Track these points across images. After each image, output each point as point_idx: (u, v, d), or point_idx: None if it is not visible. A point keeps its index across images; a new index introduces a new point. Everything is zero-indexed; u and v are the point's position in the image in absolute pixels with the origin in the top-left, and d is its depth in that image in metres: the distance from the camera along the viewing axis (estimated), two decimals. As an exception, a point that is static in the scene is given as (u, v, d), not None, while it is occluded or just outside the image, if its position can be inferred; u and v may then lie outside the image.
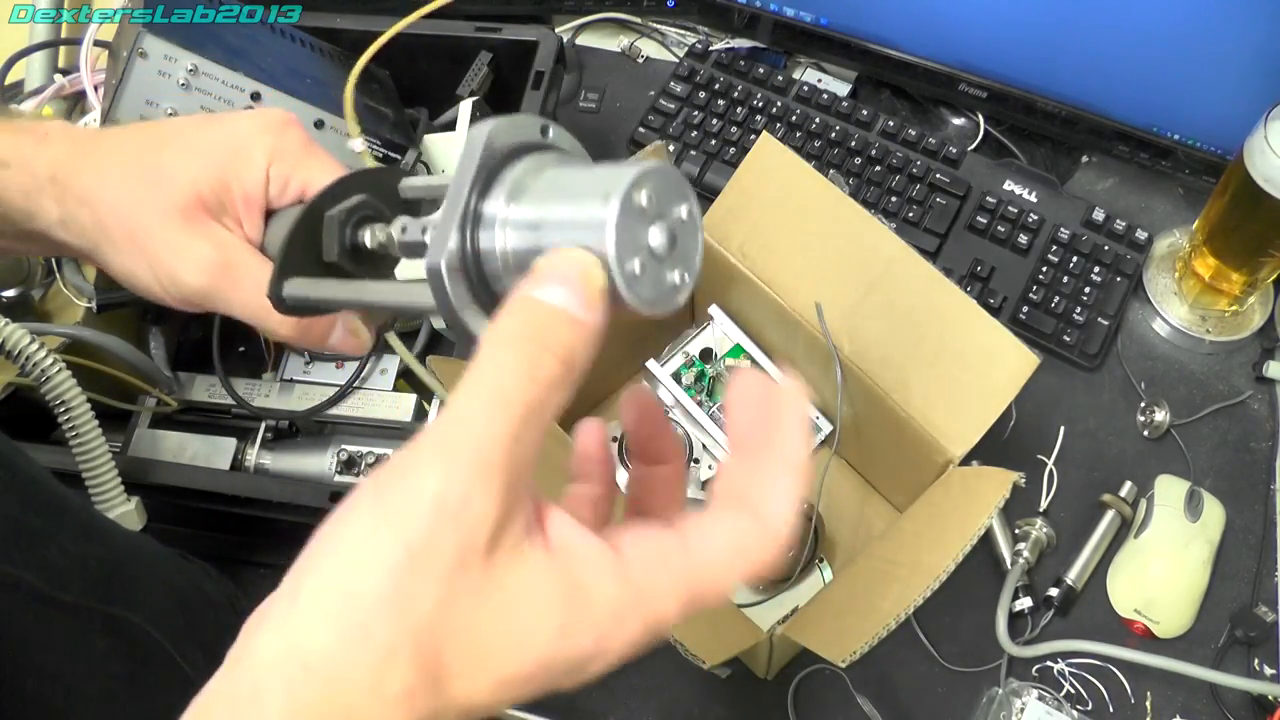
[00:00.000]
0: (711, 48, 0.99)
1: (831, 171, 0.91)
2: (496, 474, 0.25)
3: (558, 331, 0.26)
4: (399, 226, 0.36)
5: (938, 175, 0.89)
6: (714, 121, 0.94)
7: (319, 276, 0.39)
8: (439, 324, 0.78)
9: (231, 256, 0.41)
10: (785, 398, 0.29)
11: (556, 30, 0.88)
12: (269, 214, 0.43)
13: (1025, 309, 0.84)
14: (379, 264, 0.39)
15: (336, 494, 0.64)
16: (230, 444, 0.73)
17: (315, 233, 0.38)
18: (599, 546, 0.27)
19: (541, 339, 0.26)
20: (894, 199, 0.89)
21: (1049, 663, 0.72)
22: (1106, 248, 0.86)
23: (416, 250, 0.35)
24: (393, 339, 0.73)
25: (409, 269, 0.38)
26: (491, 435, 0.25)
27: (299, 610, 0.25)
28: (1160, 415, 0.79)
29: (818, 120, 0.93)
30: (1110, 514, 0.76)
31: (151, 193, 0.41)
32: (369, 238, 0.38)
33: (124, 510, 0.62)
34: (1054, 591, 0.74)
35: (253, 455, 0.73)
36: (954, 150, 0.91)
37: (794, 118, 0.93)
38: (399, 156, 0.70)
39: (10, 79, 0.80)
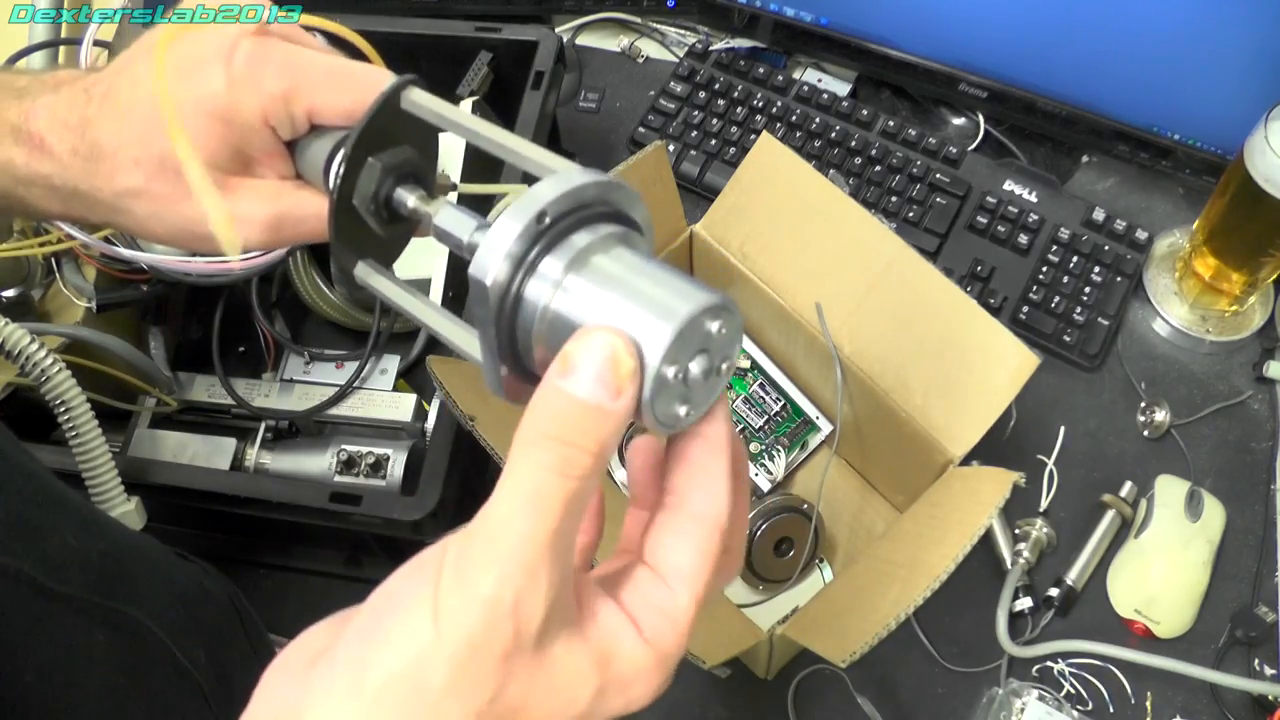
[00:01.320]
0: (711, 48, 0.99)
1: (831, 171, 0.91)
2: (544, 572, 0.27)
3: (589, 426, 0.27)
4: (436, 208, 0.36)
5: (938, 175, 0.89)
6: (714, 121, 0.94)
7: (375, 255, 0.40)
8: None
9: (279, 204, 0.42)
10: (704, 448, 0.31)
11: (556, 30, 0.88)
12: (291, 144, 0.43)
13: (1025, 309, 0.84)
14: (403, 223, 0.40)
15: (336, 494, 0.64)
16: (230, 444, 0.73)
17: (353, 212, 0.39)
18: (622, 617, 0.30)
19: (574, 437, 0.27)
20: (894, 199, 0.89)
21: (1049, 663, 0.72)
22: (1106, 248, 0.86)
23: (448, 240, 0.35)
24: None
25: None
26: (536, 538, 0.27)
27: (368, 691, 0.27)
28: (1160, 415, 0.79)
29: (818, 120, 0.93)
30: (1110, 514, 0.76)
31: (179, 184, 0.41)
32: (402, 206, 0.38)
33: (124, 510, 0.62)
34: (1054, 591, 0.74)
35: (253, 455, 0.73)
36: (954, 150, 0.91)
37: (794, 118, 0.93)
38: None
39: (10, 79, 0.80)
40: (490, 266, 0.29)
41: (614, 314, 0.28)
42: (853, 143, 0.91)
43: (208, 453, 0.73)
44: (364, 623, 0.28)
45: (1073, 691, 0.71)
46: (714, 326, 0.29)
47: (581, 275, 0.29)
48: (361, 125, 0.38)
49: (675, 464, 0.31)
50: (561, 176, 0.30)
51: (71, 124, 0.42)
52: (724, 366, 0.30)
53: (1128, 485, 0.77)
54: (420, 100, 0.39)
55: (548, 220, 0.29)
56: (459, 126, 0.38)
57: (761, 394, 0.79)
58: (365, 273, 0.39)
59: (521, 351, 0.31)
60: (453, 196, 0.39)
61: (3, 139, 0.43)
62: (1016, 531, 0.76)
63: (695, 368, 0.29)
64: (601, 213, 0.31)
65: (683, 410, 0.30)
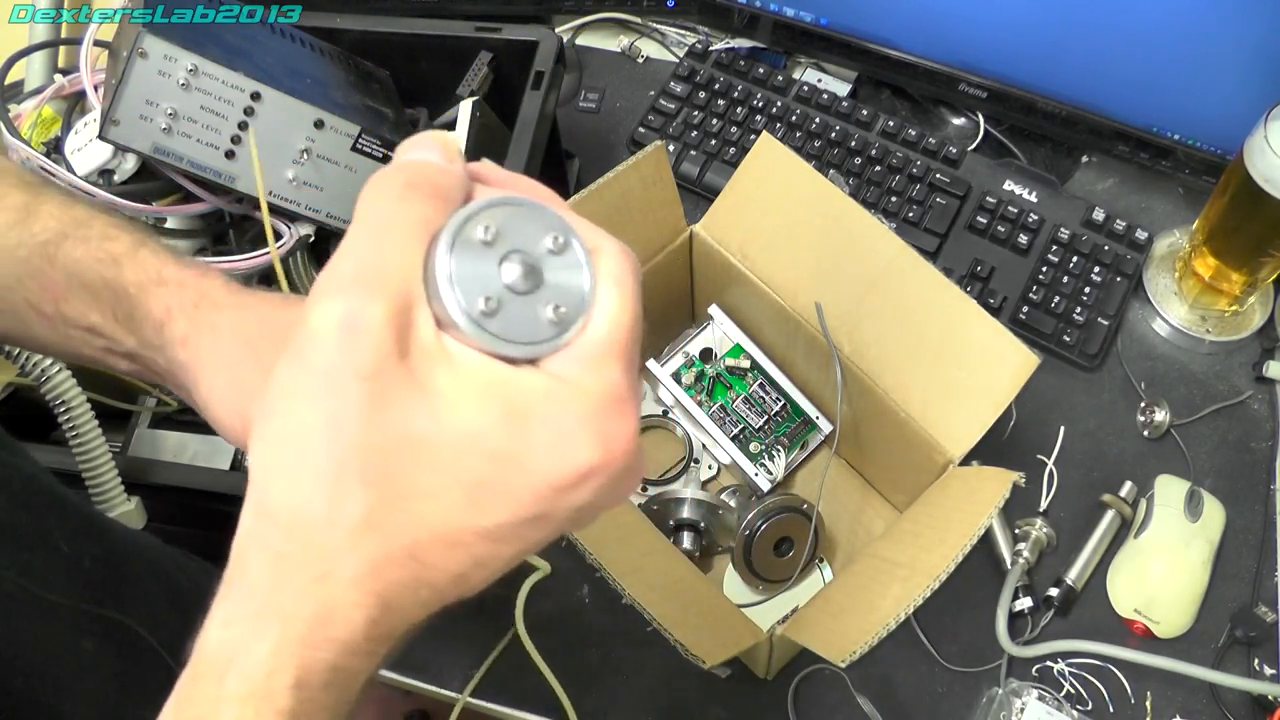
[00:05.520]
0: (711, 48, 0.99)
1: (831, 171, 0.91)
2: (375, 282, 0.25)
3: (405, 167, 0.28)
4: None
5: (938, 175, 0.89)
6: (714, 121, 0.94)
7: None
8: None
9: None
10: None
11: (556, 30, 0.88)
12: None
13: (1025, 309, 0.84)
14: None
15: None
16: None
17: None
18: None
19: (392, 174, 0.27)
20: (894, 199, 0.89)
21: (1049, 663, 0.72)
22: (1106, 248, 0.86)
23: None
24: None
25: None
26: (365, 252, 0.26)
27: (253, 466, 0.26)
28: (1160, 415, 0.79)
29: (818, 120, 0.93)
30: (1110, 514, 0.76)
31: (270, 334, 0.42)
32: None
33: (124, 510, 0.62)
34: (1054, 591, 0.74)
35: (253, 455, 0.73)
36: (954, 150, 0.91)
37: (794, 118, 0.93)
38: (399, 156, 0.70)
39: (10, 79, 0.80)
40: None
41: None
42: (853, 143, 0.91)
43: (208, 453, 0.73)
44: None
45: (1073, 691, 0.71)
46: (479, 231, 0.27)
47: None
48: None
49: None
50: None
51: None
52: (550, 242, 0.28)
53: (1128, 485, 0.77)
54: None
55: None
56: None
57: (761, 394, 0.79)
58: None
59: None
60: None
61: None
62: (1016, 531, 0.76)
63: (511, 273, 0.27)
64: None
65: (549, 311, 0.28)
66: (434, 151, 0.28)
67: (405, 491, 0.25)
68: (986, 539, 0.76)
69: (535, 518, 0.26)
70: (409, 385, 0.25)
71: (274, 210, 0.68)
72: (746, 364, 0.79)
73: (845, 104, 0.93)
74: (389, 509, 0.25)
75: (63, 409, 0.59)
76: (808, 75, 0.99)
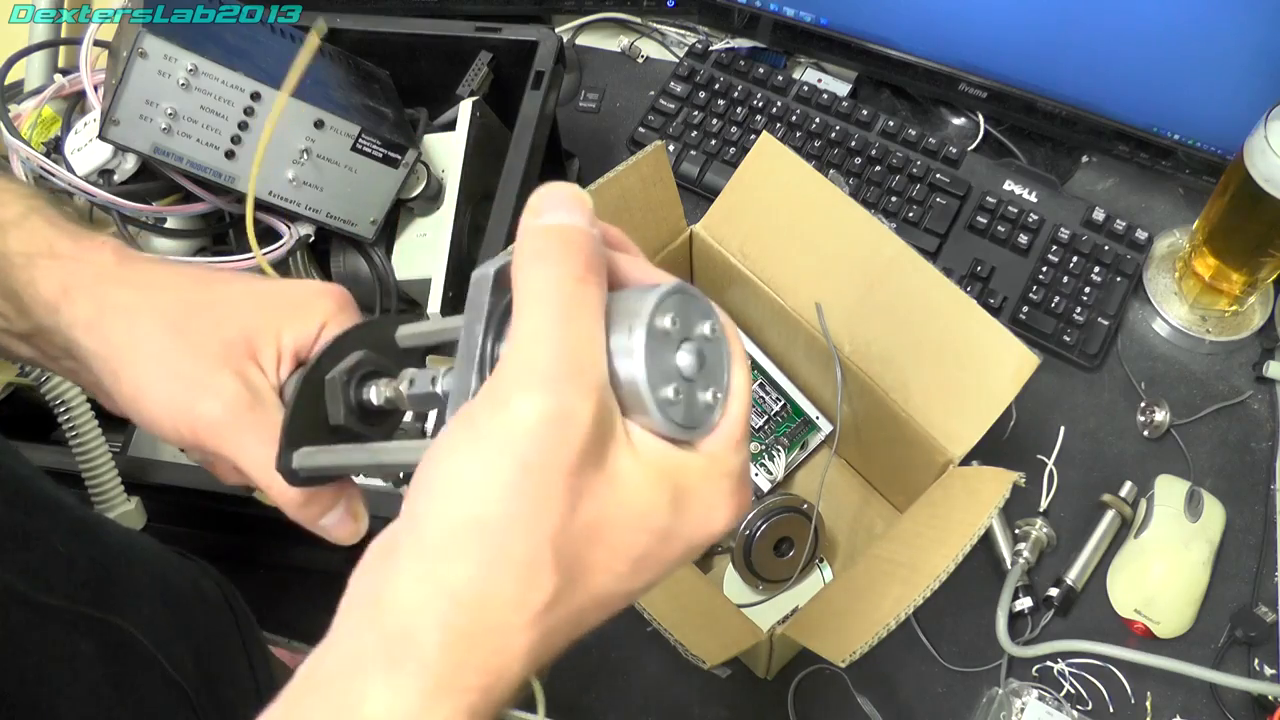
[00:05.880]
0: (711, 48, 0.99)
1: (831, 171, 0.91)
2: (584, 378, 0.27)
3: (574, 240, 0.28)
4: (406, 380, 0.36)
5: (938, 175, 0.89)
6: (714, 121, 0.94)
7: (329, 442, 0.37)
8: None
9: (256, 398, 0.39)
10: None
11: (556, 30, 0.88)
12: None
13: (1025, 309, 0.84)
14: (387, 420, 0.39)
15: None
16: (230, 444, 0.73)
17: (319, 398, 0.37)
18: None
19: (564, 249, 0.28)
20: (894, 199, 0.89)
21: (1049, 663, 0.72)
22: (1106, 248, 0.86)
23: (428, 402, 0.35)
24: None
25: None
26: (568, 344, 0.27)
27: (431, 547, 0.26)
28: (1160, 415, 0.79)
29: (818, 120, 0.93)
30: (1110, 514, 0.76)
31: (200, 318, 0.39)
32: (375, 394, 0.37)
33: (124, 510, 0.62)
34: (1054, 591, 0.74)
35: (253, 455, 0.73)
36: (954, 150, 0.91)
37: (794, 118, 0.93)
38: (399, 156, 0.70)
39: (10, 79, 0.81)
40: (490, 263, 0.30)
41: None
42: (853, 143, 0.91)
43: (208, 453, 0.73)
44: (413, 491, 0.28)
45: (1073, 691, 0.71)
46: (667, 320, 0.29)
47: None
48: (315, 357, 0.37)
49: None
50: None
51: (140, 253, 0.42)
52: (709, 329, 0.30)
53: (1128, 485, 0.77)
54: (411, 331, 0.39)
55: None
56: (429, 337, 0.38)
57: (761, 394, 0.79)
58: (306, 457, 0.37)
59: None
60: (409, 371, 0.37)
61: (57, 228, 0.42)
62: (1016, 531, 0.76)
63: (686, 360, 0.29)
64: None
65: (709, 396, 0.30)
66: (578, 213, 0.29)
67: (584, 571, 0.27)
68: (986, 539, 0.76)
69: (667, 572, 0.30)
70: (600, 473, 0.27)
71: (274, 210, 0.68)
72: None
73: (845, 104, 0.93)
74: (569, 588, 0.27)
75: (62, 409, 0.59)
76: (808, 75, 0.99)
